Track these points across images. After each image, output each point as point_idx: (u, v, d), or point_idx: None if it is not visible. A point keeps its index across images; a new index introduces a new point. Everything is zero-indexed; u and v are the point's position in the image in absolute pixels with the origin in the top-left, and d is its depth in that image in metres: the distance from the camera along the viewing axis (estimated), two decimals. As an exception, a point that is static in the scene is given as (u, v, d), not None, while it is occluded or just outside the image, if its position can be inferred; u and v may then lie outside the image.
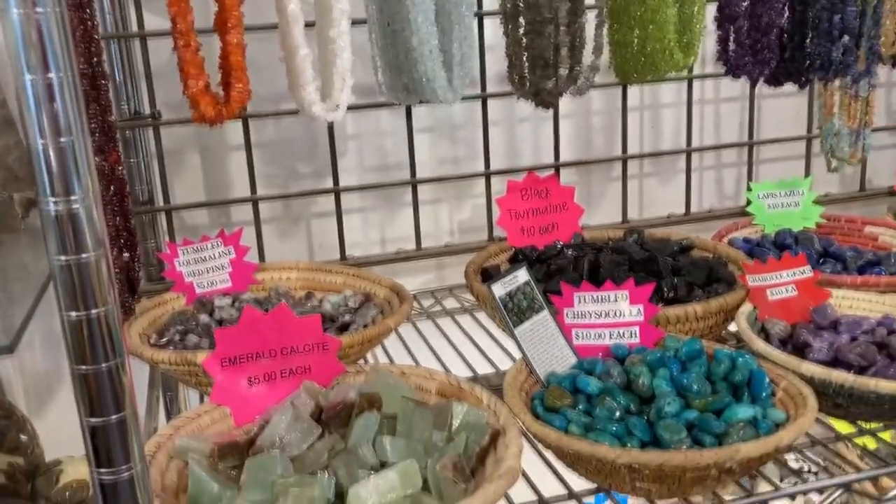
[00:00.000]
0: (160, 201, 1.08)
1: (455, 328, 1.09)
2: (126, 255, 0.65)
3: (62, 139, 0.46)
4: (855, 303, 0.93)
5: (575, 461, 0.68)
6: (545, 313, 0.83)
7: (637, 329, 0.84)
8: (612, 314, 0.85)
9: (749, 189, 1.28)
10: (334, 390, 0.75)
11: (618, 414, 0.72)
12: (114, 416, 0.52)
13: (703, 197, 1.40)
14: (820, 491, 0.70)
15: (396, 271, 1.23)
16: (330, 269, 1.07)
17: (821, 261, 1.11)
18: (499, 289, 0.81)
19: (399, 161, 1.23)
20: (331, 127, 1.09)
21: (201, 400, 1.11)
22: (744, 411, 0.69)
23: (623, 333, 0.85)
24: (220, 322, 0.96)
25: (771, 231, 1.23)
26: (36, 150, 0.46)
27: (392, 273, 1.22)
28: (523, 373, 0.79)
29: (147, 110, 1.04)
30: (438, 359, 0.99)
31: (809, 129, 1.32)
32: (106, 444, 0.52)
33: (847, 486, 0.70)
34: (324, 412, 0.73)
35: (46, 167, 0.46)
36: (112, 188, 0.62)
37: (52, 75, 0.45)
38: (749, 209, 1.27)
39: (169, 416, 1.13)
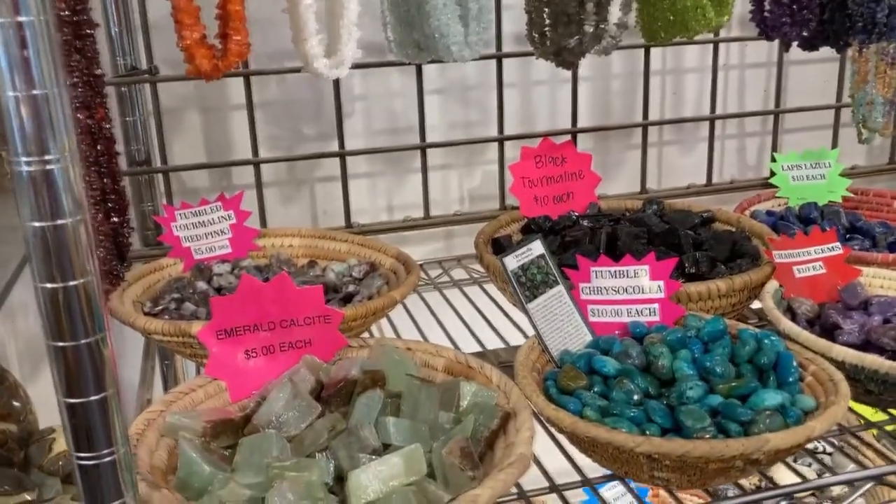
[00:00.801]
0: (157, 162, 1.04)
1: (463, 300, 1.05)
2: (115, 219, 0.61)
3: (36, 91, 0.41)
4: (886, 282, 0.88)
5: (590, 447, 0.64)
6: (560, 288, 0.78)
7: (657, 306, 0.80)
8: (631, 290, 0.80)
9: (773, 160, 1.23)
10: (336, 366, 0.71)
11: (636, 397, 0.67)
12: (94, 396, 0.48)
13: (725, 167, 1.35)
14: (851, 483, 0.66)
15: (404, 239, 1.19)
16: (334, 236, 1.03)
17: (847, 236, 1.06)
18: (511, 262, 0.76)
19: (409, 124, 1.18)
20: (337, 86, 1.04)
21: (198, 371, 1.07)
22: (771, 398, 0.64)
23: (642, 311, 0.80)
24: (219, 290, 0.92)
25: (795, 204, 1.18)
26: (6, 104, 0.41)
27: (399, 241, 1.17)
28: (535, 351, 0.75)
29: (144, 65, 0.99)
30: (446, 332, 0.94)
31: (839, 98, 1.26)
32: (86, 426, 0.48)
33: (879, 479, 0.65)
34: (324, 389, 0.69)
35: (18, 122, 0.42)
36: (99, 147, 0.57)
37: (23, 18, 0.40)
38: (772, 181, 1.22)
39: (166, 387, 1.09)
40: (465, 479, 0.58)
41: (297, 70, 0.88)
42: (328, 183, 1.19)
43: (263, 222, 1.09)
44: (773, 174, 1.22)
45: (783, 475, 1.07)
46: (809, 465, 1.28)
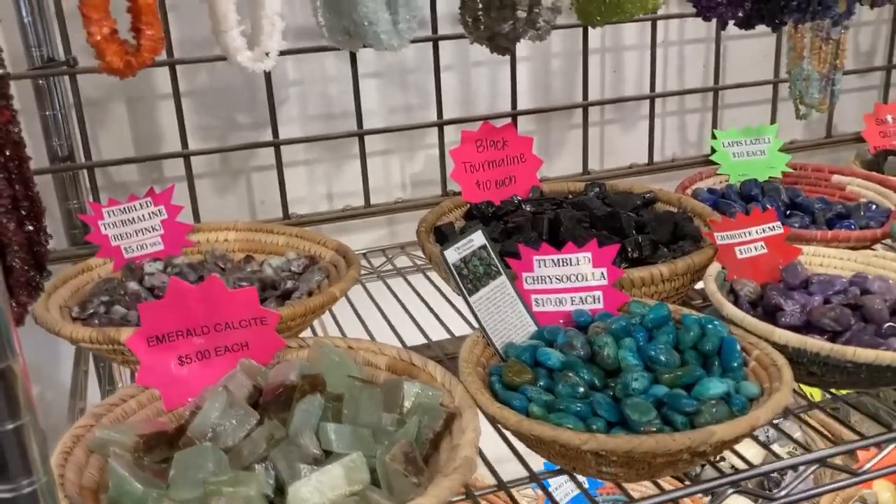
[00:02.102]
0: (81, 157, 0.99)
1: (407, 289, 1.03)
2: (29, 227, 0.57)
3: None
4: (826, 260, 0.89)
5: (537, 444, 0.63)
6: (503, 279, 0.77)
7: (600, 294, 0.79)
8: (574, 278, 0.79)
9: (714, 137, 1.23)
10: (273, 370, 0.69)
11: (581, 391, 0.66)
12: (9, 425, 0.45)
13: (666, 145, 1.35)
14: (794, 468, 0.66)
15: (345, 229, 1.16)
16: (271, 228, 1.00)
17: (788, 213, 1.07)
18: (452, 255, 0.74)
19: (345, 109, 1.15)
20: (269, 74, 1.00)
21: (132, 378, 1.03)
22: (716, 386, 0.64)
23: (585, 298, 0.79)
24: (151, 290, 0.88)
25: (736, 181, 1.18)
26: None
27: (340, 230, 1.15)
28: (480, 344, 0.73)
29: (62, 56, 0.94)
30: (390, 324, 0.92)
31: (776, 73, 1.27)
32: (1, 457, 0.45)
33: (822, 461, 0.66)
34: (262, 396, 0.66)
35: None
36: (7, 152, 0.53)
37: None
38: (713, 158, 1.22)
39: (103, 390, 1.05)
40: (410, 486, 0.56)
41: (221, 58, 0.83)
42: (265, 172, 1.15)
43: (197, 216, 1.05)
44: (713, 151, 1.22)
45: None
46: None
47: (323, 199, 1.20)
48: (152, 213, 0.95)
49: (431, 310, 0.96)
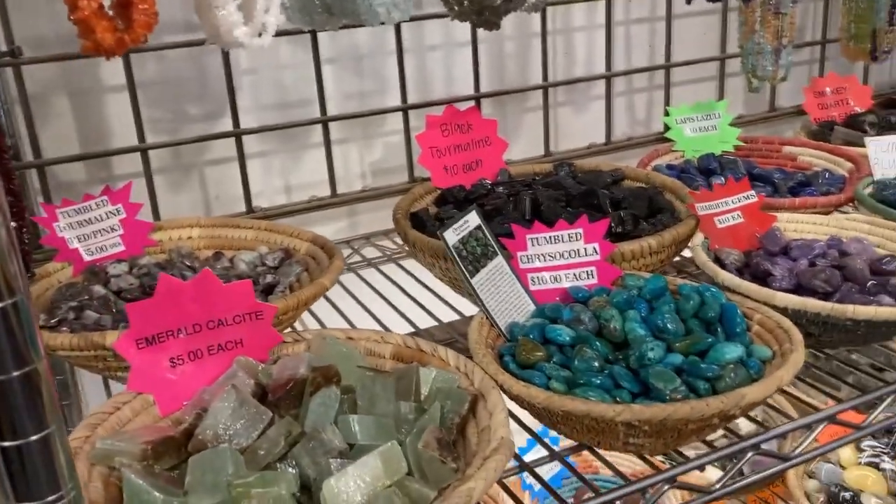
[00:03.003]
0: (28, 156, 0.92)
1: (382, 279, 1.01)
2: (13, 224, 0.52)
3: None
4: (800, 226, 0.91)
5: (562, 420, 0.62)
6: (500, 259, 0.75)
7: (594, 269, 0.79)
8: (568, 255, 0.79)
9: (666, 114, 1.25)
10: (277, 365, 0.65)
11: (597, 364, 0.66)
12: (35, 435, 0.41)
13: (616, 125, 1.36)
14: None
15: (305, 221, 1.12)
16: (237, 223, 0.95)
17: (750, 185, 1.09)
18: (451, 236, 0.72)
19: (301, 98, 1.11)
20: (227, 61, 0.95)
21: (106, 386, 0.98)
22: (731, 351, 0.64)
23: (580, 275, 0.79)
24: (119, 293, 0.83)
25: (692, 156, 1.20)
26: None
27: (300, 224, 1.11)
28: (485, 326, 0.72)
29: (4, 47, 0.87)
30: (372, 315, 0.90)
31: (723, 50, 1.29)
32: (25, 472, 0.41)
33: (832, 418, 0.67)
34: (270, 392, 0.63)
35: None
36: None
37: None
38: (668, 135, 1.24)
39: (64, 410, 0.98)
40: (448, 472, 0.54)
41: (184, 45, 0.79)
42: (219, 166, 1.10)
43: (157, 214, 0.99)
44: (667, 128, 1.24)
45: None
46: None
47: (280, 192, 1.15)
48: (110, 212, 0.89)
49: (413, 298, 0.94)
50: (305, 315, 0.92)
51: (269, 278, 0.84)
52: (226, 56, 0.98)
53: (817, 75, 1.42)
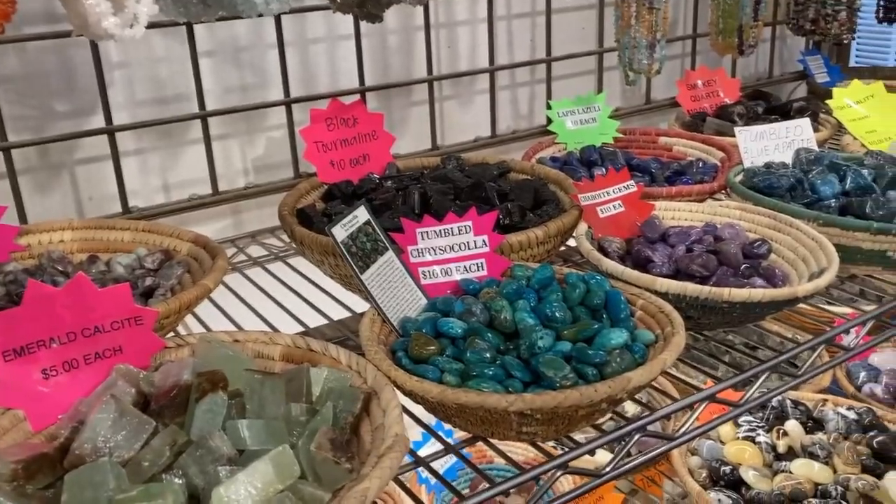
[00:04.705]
0: None
1: (269, 279, 0.98)
2: None
3: None
4: (677, 213, 0.95)
5: (457, 414, 0.62)
6: (390, 254, 0.75)
7: (484, 261, 0.79)
8: (458, 247, 0.79)
9: (549, 107, 1.27)
10: (159, 372, 0.62)
11: (488, 355, 0.66)
12: None
13: (500, 118, 1.37)
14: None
15: (185, 221, 1.08)
16: (113, 224, 0.91)
17: (628, 175, 1.13)
18: (340, 232, 0.71)
19: (178, 93, 1.07)
20: (97, 53, 0.90)
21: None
22: (617, 337, 0.66)
23: (470, 267, 0.79)
24: (-17, 302, 0.77)
25: (573, 148, 1.23)
26: None
27: (180, 224, 1.07)
28: (377, 323, 0.71)
29: None
30: (260, 316, 0.87)
31: (600, 44, 1.33)
32: None
33: (712, 397, 0.70)
34: (153, 401, 0.60)
35: None
36: None
37: None
38: (551, 128, 1.26)
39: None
40: (342, 473, 0.53)
41: (45, 37, 0.74)
42: (90, 165, 1.05)
43: (23, 218, 0.93)
44: (549, 121, 1.26)
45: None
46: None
47: (158, 191, 1.11)
48: (-30, 216, 0.83)
49: (302, 297, 0.92)
50: (189, 319, 0.89)
51: (148, 281, 0.81)
52: (95, 49, 0.93)
53: (689, 69, 1.48)
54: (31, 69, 0.98)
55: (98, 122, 0.99)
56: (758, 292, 0.72)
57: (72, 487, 0.52)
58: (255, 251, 1.06)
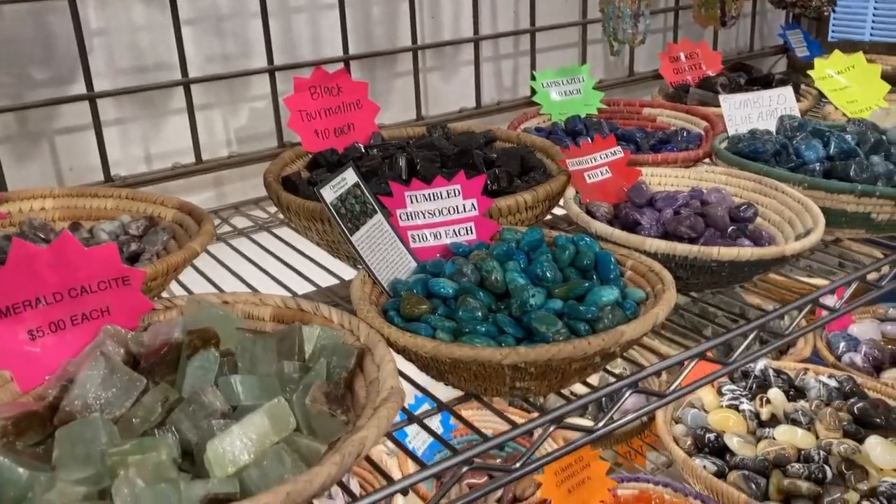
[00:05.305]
0: None
1: (255, 248, 0.97)
2: None
3: None
4: (663, 179, 0.95)
5: (450, 370, 0.62)
6: (379, 217, 0.74)
7: (472, 225, 0.79)
8: (447, 211, 0.79)
9: (533, 78, 1.27)
10: (151, 330, 0.62)
11: (480, 314, 0.66)
12: None
13: (485, 90, 1.37)
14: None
15: (168, 192, 1.07)
16: (95, 192, 0.89)
17: (613, 144, 1.13)
18: (329, 193, 0.70)
19: (159, 61, 1.05)
20: (77, 18, 0.89)
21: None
22: (608, 293, 0.66)
23: (459, 231, 0.79)
24: (-36, 269, 0.76)
25: (558, 119, 1.23)
26: None
27: (163, 193, 1.06)
28: (367, 284, 0.70)
29: None
30: (248, 285, 0.86)
31: (584, 15, 1.33)
32: None
33: (702, 355, 0.70)
34: (143, 359, 0.59)
35: None
36: None
37: None
38: (535, 98, 1.26)
39: None
40: (338, 425, 0.53)
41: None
42: (71, 135, 1.03)
43: (3, 184, 0.92)
44: (534, 92, 1.26)
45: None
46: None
47: (141, 161, 1.09)
48: (-52, 183, 0.82)
49: (289, 265, 0.91)
50: (175, 288, 0.88)
51: (133, 246, 0.80)
52: (75, 15, 0.91)
53: (672, 42, 1.48)
54: (8, 36, 0.96)
55: (78, 90, 0.98)
56: (746, 251, 0.73)
57: (63, 443, 0.51)
58: (240, 223, 1.05)
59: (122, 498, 0.46)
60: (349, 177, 0.73)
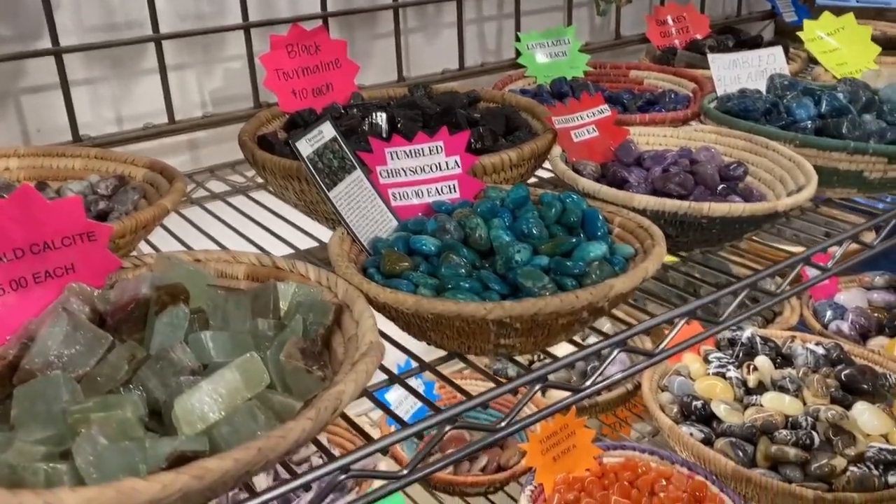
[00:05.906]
0: None
1: (231, 212, 0.94)
2: None
3: None
4: (651, 139, 0.92)
5: (433, 326, 0.59)
6: (358, 173, 0.71)
7: (456, 183, 0.76)
8: (429, 168, 0.76)
9: (518, 39, 1.24)
10: (117, 286, 0.59)
11: (464, 270, 0.63)
12: None
13: (468, 53, 1.33)
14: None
15: (141, 153, 1.03)
16: (62, 151, 0.86)
17: (600, 106, 1.10)
18: (305, 147, 0.67)
19: (130, 19, 1.01)
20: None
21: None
22: (595, 249, 0.64)
23: (441, 189, 0.76)
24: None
25: (543, 81, 1.20)
26: None
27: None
28: (346, 242, 0.68)
29: None
30: (222, 247, 0.83)
31: (570, -24, 1.30)
32: None
33: (692, 313, 0.68)
34: (109, 316, 0.56)
35: None
36: None
37: None
38: (520, 61, 1.23)
39: None
40: (314, 381, 0.51)
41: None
42: (38, 95, 0.99)
43: (-36, 145, 0.88)
44: (518, 54, 1.23)
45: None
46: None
47: (111, 123, 1.05)
48: None
49: (265, 227, 0.88)
50: (145, 248, 0.85)
51: (101, 205, 0.76)
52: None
53: (658, 5, 1.45)
54: (-31, -11, 0.92)
55: (44, 46, 0.94)
56: (738, 206, 0.71)
57: (22, 402, 0.48)
58: (215, 186, 1.02)
59: (83, 456, 0.43)
60: (326, 130, 0.70)
